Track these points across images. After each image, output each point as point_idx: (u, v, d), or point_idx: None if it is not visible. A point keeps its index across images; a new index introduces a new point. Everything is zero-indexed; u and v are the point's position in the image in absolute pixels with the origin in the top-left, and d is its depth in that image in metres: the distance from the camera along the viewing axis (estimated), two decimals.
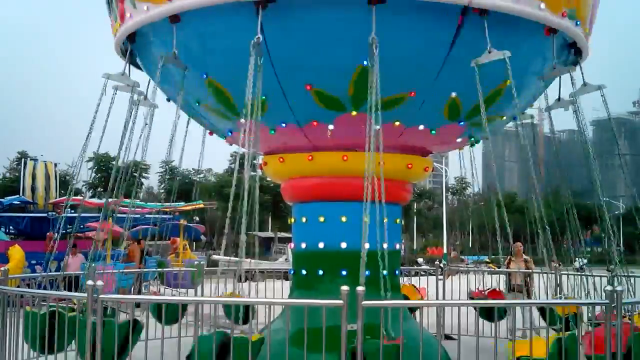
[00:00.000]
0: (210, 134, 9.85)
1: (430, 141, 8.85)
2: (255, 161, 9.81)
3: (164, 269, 15.65)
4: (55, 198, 24.04)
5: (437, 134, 8.41)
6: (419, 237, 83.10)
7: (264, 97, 7.13)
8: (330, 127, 7.95)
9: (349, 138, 8.01)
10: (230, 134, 9.26)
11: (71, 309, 6.94)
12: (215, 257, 30.01)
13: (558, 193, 9.25)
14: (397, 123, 7.93)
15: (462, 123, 8.33)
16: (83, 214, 19.11)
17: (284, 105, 7.80)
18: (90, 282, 5.97)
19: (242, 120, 7.07)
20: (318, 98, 7.68)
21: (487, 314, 9.33)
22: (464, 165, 8.91)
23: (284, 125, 8.31)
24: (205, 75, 7.86)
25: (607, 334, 5.90)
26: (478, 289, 11.71)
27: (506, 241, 8.13)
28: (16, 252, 15.89)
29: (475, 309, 9.29)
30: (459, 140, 9.13)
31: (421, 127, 8.24)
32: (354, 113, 7.75)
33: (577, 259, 10.68)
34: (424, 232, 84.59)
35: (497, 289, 12.02)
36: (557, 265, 11.14)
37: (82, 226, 19.99)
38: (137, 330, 6.30)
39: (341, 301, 5.48)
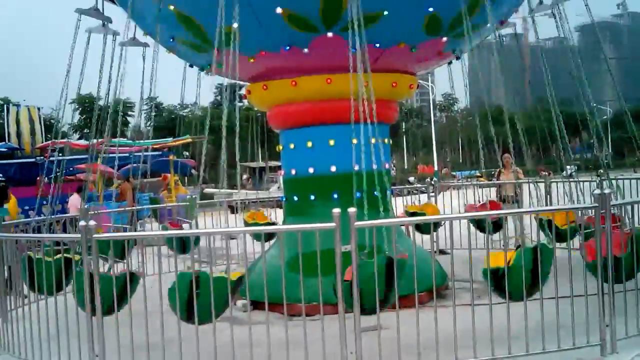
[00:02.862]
0: (191, 66, 9.73)
1: (412, 59, 8.73)
2: (239, 91, 9.74)
3: (158, 206, 15.65)
4: (42, 142, 23.86)
5: (418, 51, 8.29)
6: (409, 156, 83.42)
7: (235, 25, 6.96)
8: (305, 50, 7.82)
9: (329, 60, 7.90)
10: (208, 66, 9.14)
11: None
12: (208, 190, 30.11)
13: (544, 102, 9.20)
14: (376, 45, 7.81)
15: (444, 38, 8.22)
16: (71, 157, 19.03)
17: (257, 31, 7.65)
18: (83, 223, 5.96)
19: (216, 51, 6.94)
20: (290, 20, 7.53)
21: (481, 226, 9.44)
22: (451, 80, 8.79)
23: (262, 52, 8.19)
24: (172, 6, 7.71)
25: (597, 237, 5.98)
26: (477, 202, 11.74)
27: (495, 154, 8.14)
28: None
29: (474, 222, 9.39)
30: (441, 55, 9.01)
31: (402, 45, 8.12)
32: (329, 34, 7.63)
33: (566, 166, 10.73)
34: (414, 151, 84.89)
35: (495, 200, 12.13)
36: (547, 174, 11.23)
37: (71, 168, 19.90)
38: (135, 282, 6.30)
39: (333, 224, 5.50)
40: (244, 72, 8.62)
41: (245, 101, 9.78)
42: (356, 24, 6.60)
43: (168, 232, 9.61)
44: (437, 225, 10.31)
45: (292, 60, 8.22)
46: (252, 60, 8.23)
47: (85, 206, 9.50)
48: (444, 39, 8.27)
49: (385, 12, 7.46)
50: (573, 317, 5.83)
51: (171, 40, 8.56)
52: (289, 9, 7.46)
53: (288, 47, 7.96)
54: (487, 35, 9.28)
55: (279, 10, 7.42)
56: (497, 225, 9.60)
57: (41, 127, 25.11)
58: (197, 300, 5.64)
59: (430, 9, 7.72)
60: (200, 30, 8.03)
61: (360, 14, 6.70)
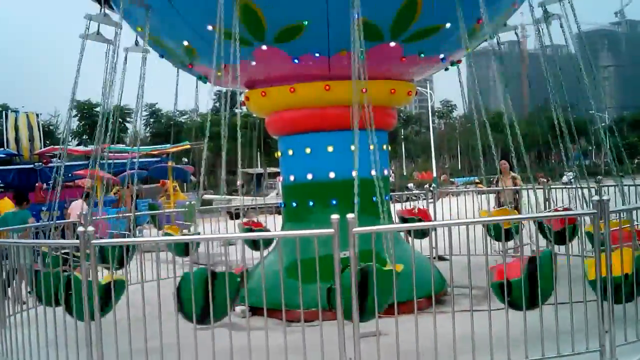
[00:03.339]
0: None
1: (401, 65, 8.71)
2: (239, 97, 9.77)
3: (157, 212, 15.65)
4: (40, 148, 23.86)
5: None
6: (408, 163, 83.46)
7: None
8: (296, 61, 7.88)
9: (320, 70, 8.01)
10: (205, 78, 9.34)
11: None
12: (207, 196, 30.09)
13: (542, 109, 9.23)
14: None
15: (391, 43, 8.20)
16: (69, 163, 19.03)
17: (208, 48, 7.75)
18: (81, 229, 5.96)
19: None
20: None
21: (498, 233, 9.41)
22: (461, 85, 8.75)
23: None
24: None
25: (596, 243, 5.98)
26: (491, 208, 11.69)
27: (493, 160, 8.16)
28: (6, 205, 15.81)
29: (484, 226, 9.36)
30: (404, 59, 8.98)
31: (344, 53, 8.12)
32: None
33: (565, 173, 10.76)
34: (413, 158, 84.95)
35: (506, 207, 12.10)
36: (546, 180, 11.23)
37: (69, 174, 19.91)
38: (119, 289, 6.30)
39: (332, 230, 5.50)
40: (241, 80, 8.68)
41: (244, 108, 9.77)
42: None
43: (166, 237, 9.60)
44: (426, 232, 10.25)
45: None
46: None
47: (84, 213, 9.49)
48: (392, 44, 8.18)
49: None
50: (572, 323, 5.82)
51: (161, 57, 8.74)
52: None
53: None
54: (481, 41, 9.25)
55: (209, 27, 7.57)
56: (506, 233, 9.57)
57: (40, 133, 25.11)
58: (213, 295, 5.70)
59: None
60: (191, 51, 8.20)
61: None
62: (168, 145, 26.58)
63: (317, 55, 7.96)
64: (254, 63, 8.11)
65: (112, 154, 11.33)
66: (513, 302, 5.91)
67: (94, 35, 8.57)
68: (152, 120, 72.01)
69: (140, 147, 21.60)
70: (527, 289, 5.85)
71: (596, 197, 6.14)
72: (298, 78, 8.58)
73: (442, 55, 8.90)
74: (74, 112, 53.35)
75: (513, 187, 13.30)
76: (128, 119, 48.52)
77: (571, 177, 12.03)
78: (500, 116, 8.54)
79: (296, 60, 7.68)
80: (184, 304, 5.84)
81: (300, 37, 7.67)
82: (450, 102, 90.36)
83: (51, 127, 54.26)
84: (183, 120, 63.59)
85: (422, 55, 8.54)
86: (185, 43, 8.26)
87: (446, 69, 9.72)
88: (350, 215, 5.60)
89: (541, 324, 5.76)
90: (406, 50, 8.31)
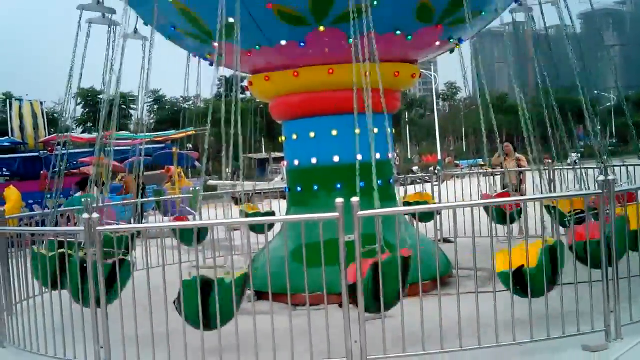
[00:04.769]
0: (194, 56, 9.73)
1: (408, 47, 8.68)
2: (241, 83, 9.74)
3: (162, 198, 15.64)
4: (45, 136, 23.87)
5: (414, 39, 8.26)
6: (412, 146, 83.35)
7: (232, 20, 6.99)
8: (302, 44, 7.84)
9: (328, 53, 7.92)
10: (208, 56, 9.20)
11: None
12: (212, 182, 30.12)
13: (548, 90, 9.17)
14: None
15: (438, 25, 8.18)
16: (75, 150, 19.04)
17: (253, 26, 7.69)
18: (86, 215, 5.97)
19: (216, 44, 6.98)
20: (281, 16, 7.59)
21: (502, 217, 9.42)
22: (463, 67, 8.72)
23: (258, 47, 8.24)
24: None
25: (602, 223, 5.98)
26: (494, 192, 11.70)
27: (498, 142, 8.15)
28: (12, 193, 15.87)
29: (486, 209, 9.37)
30: (438, 43, 8.96)
31: (398, 32, 8.09)
32: (321, 28, 7.64)
33: (570, 154, 10.71)
34: (418, 141, 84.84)
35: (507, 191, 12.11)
36: (550, 161, 11.19)
37: (74, 162, 19.93)
38: (125, 269, 6.29)
39: (337, 214, 5.51)
40: (245, 64, 8.63)
41: (248, 93, 9.74)
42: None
43: (170, 223, 9.62)
44: (431, 215, 10.27)
45: (288, 54, 8.24)
46: (249, 55, 8.26)
47: (89, 199, 9.51)
48: (439, 26, 8.22)
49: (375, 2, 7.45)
50: (577, 303, 5.82)
51: (173, 29, 8.59)
52: (279, 3, 7.51)
53: (285, 42, 8.00)
54: (487, 23, 9.23)
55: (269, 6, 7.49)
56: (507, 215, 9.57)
57: (44, 122, 25.09)
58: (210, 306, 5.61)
59: None
60: (198, 23, 8.05)
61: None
62: (172, 131, 26.58)
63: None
64: (303, 45, 8.03)
65: (116, 141, 11.31)
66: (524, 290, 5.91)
67: (99, 19, 8.55)
68: (156, 107, 72.06)
69: (145, 134, 21.63)
70: (541, 276, 5.83)
71: (602, 177, 6.12)
72: (303, 62, 8.53)
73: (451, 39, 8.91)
74: (79, 99, 53.30)
75: (518, 169, 13.27)
76: (132, 106, 48.56)
77: (576, 159, 11.99)
78: (504, 98, 8.51)
79: (350, 40, 7.59)
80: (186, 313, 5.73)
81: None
82: (455, 83, 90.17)
83: (55, 115, 54.27)
84: (187, 107, 63.55)
85: (451, 40, 8.58)
86: (231, 19, 8.02)
87: (451, 51, 9.69)
88: (354, 199, 5.60)
89: (546, 305, 5.77)
90: (444, 34, 8.33)
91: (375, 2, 7.33)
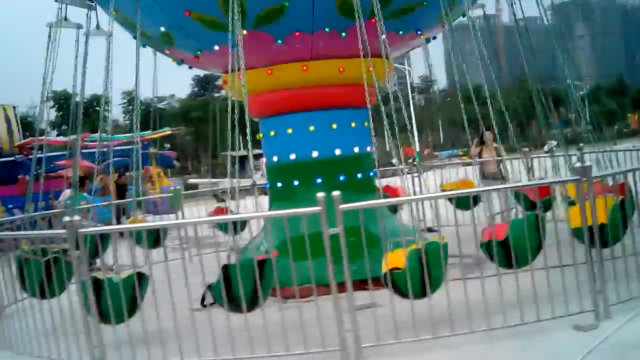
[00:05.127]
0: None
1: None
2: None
3: (143, 198, 15.57)
4: (20, 141, 23.63)
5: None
6: (391, 139, 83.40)
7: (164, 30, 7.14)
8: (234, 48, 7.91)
9: (261, 54, 8.16)
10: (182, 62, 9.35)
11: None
12: (192, 180, 30.02)
13: (522, 81, 9.29)
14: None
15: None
16: (51, 154, 18.87)
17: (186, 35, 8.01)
18: (68, 218, 5.95)
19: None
20: (201, 22, 7.84)
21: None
22: (426, 64, 8.82)
23: (199, 52, 8.51)
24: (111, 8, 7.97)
25: (582, 208, 6.08)
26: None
27: (476, 133, 8.24)
28: None
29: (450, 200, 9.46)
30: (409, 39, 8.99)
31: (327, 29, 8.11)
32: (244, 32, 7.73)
33: (546, 142, 10.84)
34: (395, 134, 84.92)
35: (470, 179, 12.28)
36: (528, 150, 11.32)
37: (51, 165, 19.75)
38: (144, 284, 6.29)
39: (319, 207, 5.56)
40: (219, 64, 8.68)
41: (223, 91, 9.76)
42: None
43: (142, 224, 9.58)
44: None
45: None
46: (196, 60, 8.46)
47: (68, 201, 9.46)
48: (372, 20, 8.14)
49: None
50: (564, 285, 5.92)
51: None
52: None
53: (218, 47, 8.16)
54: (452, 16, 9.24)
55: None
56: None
57: (18, 126, 24.83)
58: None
59: None
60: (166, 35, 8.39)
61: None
62: (149, 131, 26.36)
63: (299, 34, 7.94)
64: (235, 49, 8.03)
65: (92, 143, 11.24)
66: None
67: (66, 22, 8.53)
68: (130, 107, 71.56)
69: (120, 135, 21.50)
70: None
71: (579, 164, 6.22)
72: (276, 60, 8.56)
73: (418, 32, 8.91)
74: (51, 103, 52.80)
75: (496, 158, 13.38)
76: (107, 108, 48.12)
77: (552, 146, 12.13)
78: (479, 89, 8.61)
79: (280, 42, 7.63)
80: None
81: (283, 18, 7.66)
82: (429, 77, 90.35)
83: (29, 119, 53.67)
84: (162, 107, 63.19)
85: (401, 32, 8.56)
86: (162, 29, 8.21)
87: (427, 41, 9.73)
88: (335, 193, 5.65)
89: (534, 287, 5.85)
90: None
91: (286, 3, 7.40)
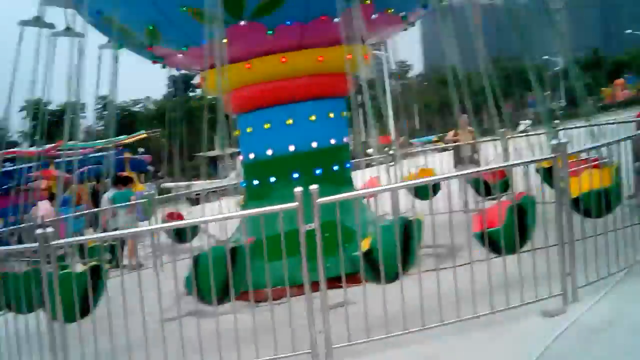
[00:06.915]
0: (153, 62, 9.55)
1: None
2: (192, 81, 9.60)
3: (115, 205, 15.36)
4: None
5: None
6: (367, 128, 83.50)
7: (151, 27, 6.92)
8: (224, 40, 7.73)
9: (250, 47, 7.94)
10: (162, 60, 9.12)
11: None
12: (166, 184, 29.67)
13: (497, 60, 9.19)
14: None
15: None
16: (24, 165, 18.56)
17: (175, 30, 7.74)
18: (39, 231, 5.78)
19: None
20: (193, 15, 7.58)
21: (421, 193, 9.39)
22: (404, 48, 8.72)
23: (185, 48, 8.30)
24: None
25: (557, 185, 6.03)
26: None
27: (451, 117, 8.16)
28: None
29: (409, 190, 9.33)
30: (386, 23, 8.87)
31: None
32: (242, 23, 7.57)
33: (520, 122, 10.77)
34: (373, 123, 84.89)
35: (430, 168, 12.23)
36: (503, 131, 11.22)
37: (28, 176, 19.46)
38: (100, 277, 6.10)
39: (296, 203, 5.42)
40: (201, 61, 8.51)
41: (199, 90, 9.59)
42: None
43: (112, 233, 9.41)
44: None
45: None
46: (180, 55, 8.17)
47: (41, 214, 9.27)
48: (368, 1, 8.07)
49: None
50: (534, 269, 5.83)
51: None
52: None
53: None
54: None
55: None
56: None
57: None
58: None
59: None
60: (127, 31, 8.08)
61: None
62: (124, 136, 26.08)
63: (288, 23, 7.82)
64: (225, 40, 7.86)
65: (69, 152, 11.04)
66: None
67: (38, 22, 8.35)
68: (104, 112, 70.96)
69: (95, 142, 21.19)
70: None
71: (555, 141, 6.14)
72: (259, 52, 8.41)
73: (402, 14, 8.79)
74: (24, 113, 52.16)
75: (472, 142, 13.31)
76: (80, 115, 47.64)
77: (527, 125, 12.06)
78: (455, 71, 8.50)
79: (270, 32, 7.45)
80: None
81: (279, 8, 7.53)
82: (405, 62, 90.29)
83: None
84: (137, 110, 62.74)
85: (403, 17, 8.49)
86: (150, 24, 7.97)
87: (405, 29, 9.63)
88: (313, 187, 5.51)
89: (505, 274, 5.76)
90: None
91: None
